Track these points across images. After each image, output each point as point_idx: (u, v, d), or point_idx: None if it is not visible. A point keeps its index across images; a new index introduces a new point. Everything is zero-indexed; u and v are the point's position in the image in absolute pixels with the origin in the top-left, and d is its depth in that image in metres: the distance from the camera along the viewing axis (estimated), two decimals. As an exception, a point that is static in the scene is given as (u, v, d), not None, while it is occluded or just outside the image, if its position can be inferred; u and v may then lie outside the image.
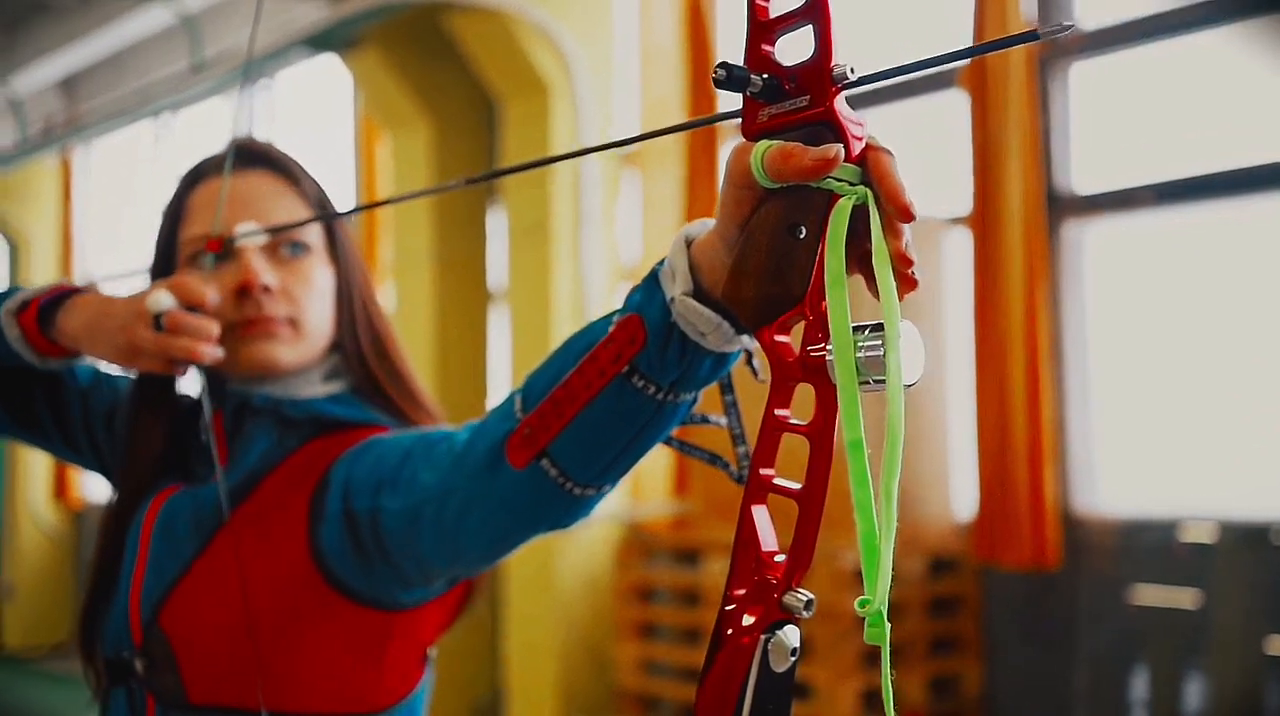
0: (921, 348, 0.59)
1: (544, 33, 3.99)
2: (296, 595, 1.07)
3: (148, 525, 1.13)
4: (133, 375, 1.21)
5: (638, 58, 4.20)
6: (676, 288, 0.73)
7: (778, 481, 0.61)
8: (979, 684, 3.43)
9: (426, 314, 4.49)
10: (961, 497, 3.47)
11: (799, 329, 0.63)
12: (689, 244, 0.74)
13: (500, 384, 4.51)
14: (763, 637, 0.57)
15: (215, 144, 1.26)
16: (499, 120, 4.39)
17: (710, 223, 0.73)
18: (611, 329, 0.78)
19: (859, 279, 0.64)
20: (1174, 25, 3.26)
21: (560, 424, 0.82)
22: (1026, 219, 3.26)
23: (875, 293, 0.61)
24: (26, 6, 6.02)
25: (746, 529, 0.60)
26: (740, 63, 0.65)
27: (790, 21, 0.65)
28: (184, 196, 1.21)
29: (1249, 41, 3.17)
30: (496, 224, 4.58)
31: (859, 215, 0.63)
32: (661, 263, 0.76)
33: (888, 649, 0.54)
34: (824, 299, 0.60)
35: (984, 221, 3.32)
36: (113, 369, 1.27)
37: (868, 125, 0.64)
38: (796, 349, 0.63)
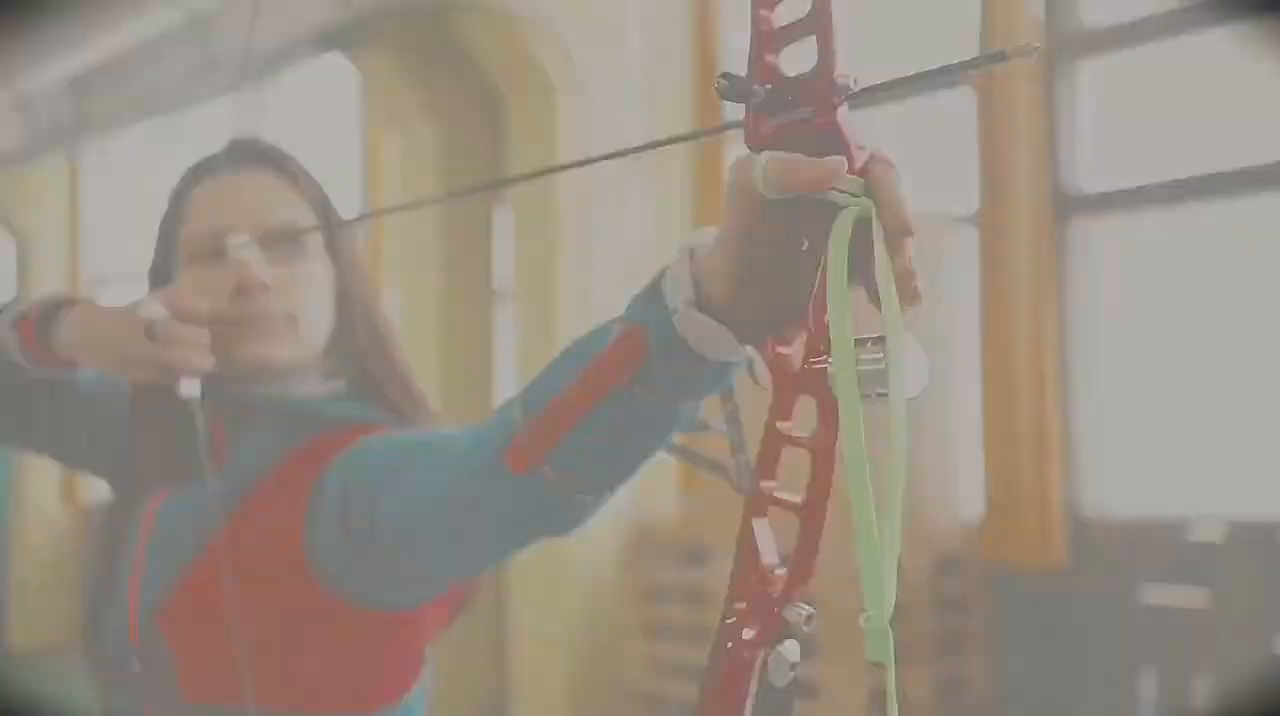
0: (924, 360, 0.59)
1: (550, 32, 3.99)
2: (292, 595, 1.07)
3: (145, 525, 1.14)
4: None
5: (644, 57, 4.20)
6: (679, 298, 0.73)
7: (779, 494, 0.61)
8: (986, 683, 3.42)
9: (432, 312, 4.49)
10: (969, 497, 3.47)
11: (801, 341, 0.63)
12: (692, 254, 0.74)
13: (506, 381, 4.52)
14: (763, 652, 0.57)
15: (221, 142, 1.26)
16: (505, 119, 4.39)
17: (713, 232, 0.72)
18: (613, 337, 0.78)
19: (861, 291, 0.64)
20: (1182, 24, 3.25)
21: (561, 431, 0.82)
22: (1034, 217, 3.26)
23: (877, 305, 0.61)
24: (34, 5, 6.03)
25: (747, 542, 0.59)
26: (743, 73, 0.65)
27: (794, 32, 0.65)
28: (184, 195, 1.21)
29: (1256, 41, 3.15)
30: (502, 222, 4.58)
31: (863, 227, 0.62)
32: (664, 272, 0.76)
33: (892, 667, 0.53)
34: (826, 312, 0.60)
35: (991, 220, 3.31)
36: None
37: (873, 133, 0.64)
38: (799, 361, 0.62)
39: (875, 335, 0.59)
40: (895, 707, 0.53)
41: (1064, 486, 3.27)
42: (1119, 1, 3.39)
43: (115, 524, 1.18)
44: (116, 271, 7.17)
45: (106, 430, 1.26)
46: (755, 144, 0.66)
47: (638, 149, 0.77)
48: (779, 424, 0.61)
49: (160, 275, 1.21)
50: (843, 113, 0.63)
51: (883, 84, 0.63)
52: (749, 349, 0.74)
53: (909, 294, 0.61)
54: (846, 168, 0.61)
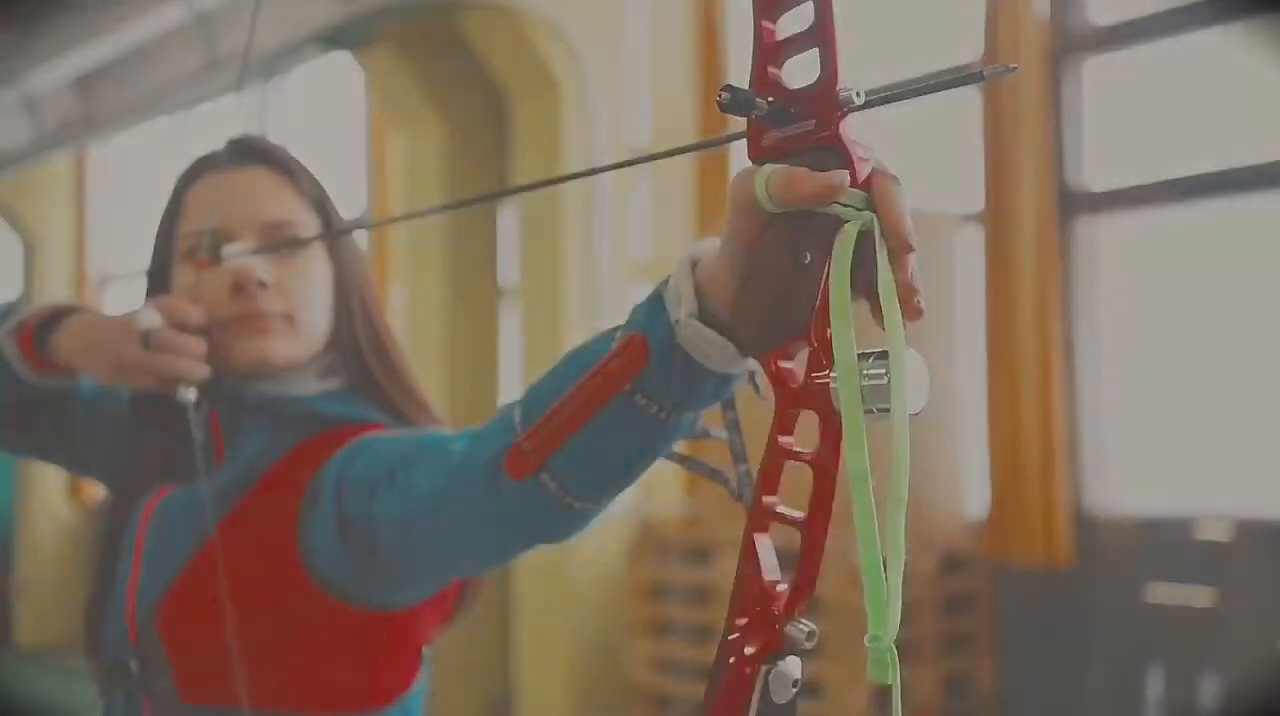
0: (926, 375, 0.59)
1: (555, 29, 3.99)
2: (287, 595, 1.07)
3: (143, 526, 1.14)
4: None
5: (648, 54, 4.19)
6: (681, 309, 0.72)
7: (781, 509, 0.60)
8: (991, 682, 3.42)
9: (438, 309, 4.50)
10: (974, 495, 3.47)
11: (803, 355, 0.63)
12: (694, 265, 0.74)
13: (511, 379, 4.52)
14: (764, 668, 0.57)
15: (222, 141, 1.26)
16: (511, 117, 4.39)
17: (716, 243, 0.72)
18: (615, 346, 0.78)
19: (864, 304, 0.64)
20: (1188, 21, 3.24)
21: (560, 439, 0.81)
22: (1039, 215, 3.25)
23: (880, 320, 0.61)
24: (41, 4, 6.04)
25: (749, 558, 0.59)
26: (746, 85, 0.65)
27: (797, 45, 0.65)
28: (182, 192, 1.21)
29: (1263, 37, 3.14)
30: (507, 220, 4.58)
31: (865, 240, 0.62)
32: (666, 282, 0.76)
33: (898, 690, 0.53)
34: (828, 326, 0.60)
35: (996, 218, 3.30)
36: None
37: (879, 130, 0.64)
38: (801, 375, 0.62)
39: (878, 350, 0.58)
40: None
41: (1069, 485, 3.26)
42: (1124, -1, 3.38)
43: (114, 525, 1.18)
44: (123, 270, 7.18)
45: (107, 434, 1.26)
46: (758, 157, 0.66)
47: (640, 160, 0.76)
48: (781, 438, 0.61)
49: (158, 276, 1.21)
50: (845, 126, 0.62)
51: (881, 97, 0.63)
52: (751, 361, 0.74)
53: (911, 309, 0.61)
54: (849, 181, 0.61)
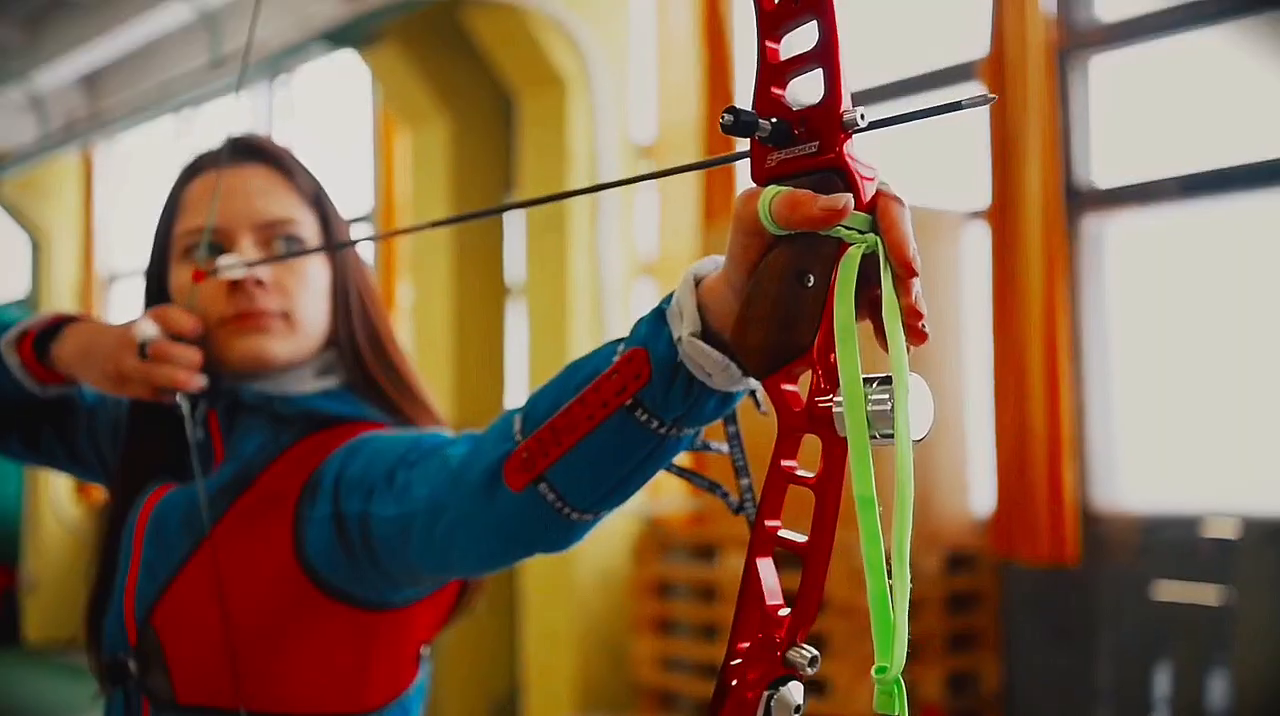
0: (930, 401, 0.58)
1: (560, 27, 3.98)
2: (282, 594, 1.07)
3: (141, 525, 1.14)
4: None
5: (654, 51, 4.18)
6: (684, 327, 0.72)
7: (783, 534, 0.60)
8: (998, 680, 3.42)
9: (444, 308, 4.50)
10: (980, 493, 3.46)
11: (807, 377, 0.62)
12: (697, 283, 0.74)
13: (518, 378, 4.52)
14: (766, 694, 0.57)
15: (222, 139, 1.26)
16: (516, 113, 4.39)
17: (720, 260, 0.72)
18: (616, 360, 0.78)
19: (867, 326, 0.64)
20: (1195, 18, 3.22)
21: (560, 451, 0.81)
22: (1046, 213, 3.24)
23: (883, 343, 0.60)
24: (48, 3, 6.04)
25: (752, 582, 0.59)
26: (749, 106, 0.65)
27: (800, 65, 0.64)
28: (180, 190, 1.21)
29: (1270, 34, 3.13)
30: (514, 218, 4.58)
31: (869, 261, 0.62)
32: (669, 298, 0.76)
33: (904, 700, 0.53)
34: (833, 350, 0.60)
35: (1003, 215, 3.29)
36: None
37: (879, 170, 0.63)
38: (804, 397, 0.62)
39: (881, 375, 0.58)
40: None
41: (1076, 482, 3.25)
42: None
43: (112, 524, 1.18)
44: (130, 267, 7.19)
45: (108, 435, 1.27)
46: (761, 178, 0.65)
47: (645, 178, 0.76)
48: (783, 462, 0.61)
49: (156, 271, 1.22)
50: (849, 147, 0.62)
51: (893, 117, 0.63)
52: (752, 379, 0.74)
53: (916, 333, 0.60)
54: (853, 204, 0.61)
